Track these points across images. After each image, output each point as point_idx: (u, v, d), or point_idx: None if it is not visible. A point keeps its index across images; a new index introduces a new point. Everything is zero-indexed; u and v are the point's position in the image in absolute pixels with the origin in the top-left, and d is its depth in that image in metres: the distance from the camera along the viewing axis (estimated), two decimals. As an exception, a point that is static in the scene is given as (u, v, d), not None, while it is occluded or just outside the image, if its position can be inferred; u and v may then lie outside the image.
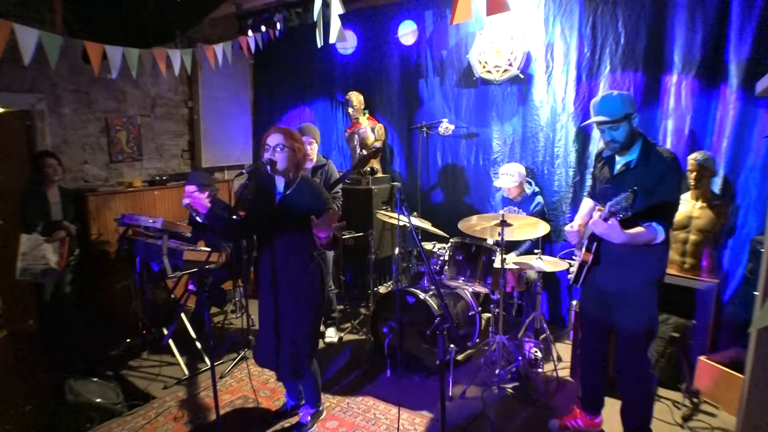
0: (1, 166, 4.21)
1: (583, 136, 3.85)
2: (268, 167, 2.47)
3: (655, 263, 2.37)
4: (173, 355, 3.75)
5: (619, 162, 2.42)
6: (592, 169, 2.71)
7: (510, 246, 3.76)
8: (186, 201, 3.87)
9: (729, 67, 3.19)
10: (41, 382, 3.46)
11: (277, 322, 2.60)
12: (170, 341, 3.58)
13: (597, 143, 3.78)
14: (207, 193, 3.71)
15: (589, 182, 3.82)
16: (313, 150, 3.75)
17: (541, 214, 3.71)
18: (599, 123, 2.34)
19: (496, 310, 3.32)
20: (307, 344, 2.62)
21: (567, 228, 2.65)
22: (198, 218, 3.85)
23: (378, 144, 4.81)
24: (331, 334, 4.02)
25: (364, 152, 4.66)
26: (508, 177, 3.76)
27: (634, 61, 3.56)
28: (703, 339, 3.16)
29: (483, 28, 4.18)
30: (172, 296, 3.95)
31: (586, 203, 2.71)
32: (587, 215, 2.62)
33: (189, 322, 3.84)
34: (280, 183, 2.59)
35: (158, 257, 3.52)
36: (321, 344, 3.86)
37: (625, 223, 2.23)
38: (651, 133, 3.46)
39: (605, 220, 2.24)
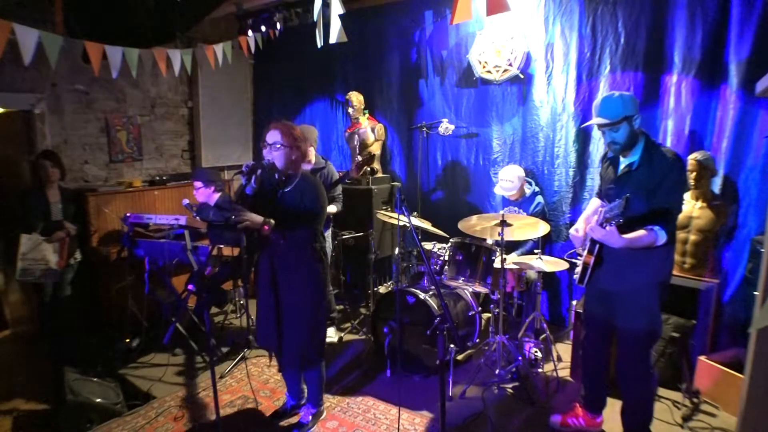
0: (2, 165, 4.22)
1: (583, 136, 3.85)
2: (267, 168, 2.47)
3: (659, 264, 2.35)
4: (174, 354, 3.76)
5: (623, 163, 2.41)
6: (598, 170, 2.72)
7: (510, 246, 3.76)
8: (186, 201, 3.88)
9: (729, 67, 3.19)
10: (41, 382, 3.46)
11: (278, 319, 2.61)
12: (183, 331, 3.67)
13: (597, 143, 3.78)
14: (213, 188, 3.73)
15: (589, 182, 3.85)
16: (311, 152, 3.74)
17: (542, 214, 3.70)
18: (599, 125, 2.33)
19: (496, 310, 3.32)
20: (310, 338, 2.63)
21: (572, 231, 2.64)
22: (197, 217, 3.86)
23: (378, 144, 4.81)
24: (331, 334, 4.02)
25: (364, 156, 4.66)
26: (508, 183, 3.76)
27: (634, 61, 3.55)
28: (703, 339, 3.16)
29: (483, 28, 4.18)
30: (176, 295, 3.96)
31: (593, 203, 2.71)
32: (593, 215, 2.61)
33: (190, 323, 3.84)
34: (280, 180, 2.59)
35: (172, 255, 3.67)
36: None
37: (626, 227, 2.23)
38: (651, 133, 3.40)
39: (602, 225, 2.24)
